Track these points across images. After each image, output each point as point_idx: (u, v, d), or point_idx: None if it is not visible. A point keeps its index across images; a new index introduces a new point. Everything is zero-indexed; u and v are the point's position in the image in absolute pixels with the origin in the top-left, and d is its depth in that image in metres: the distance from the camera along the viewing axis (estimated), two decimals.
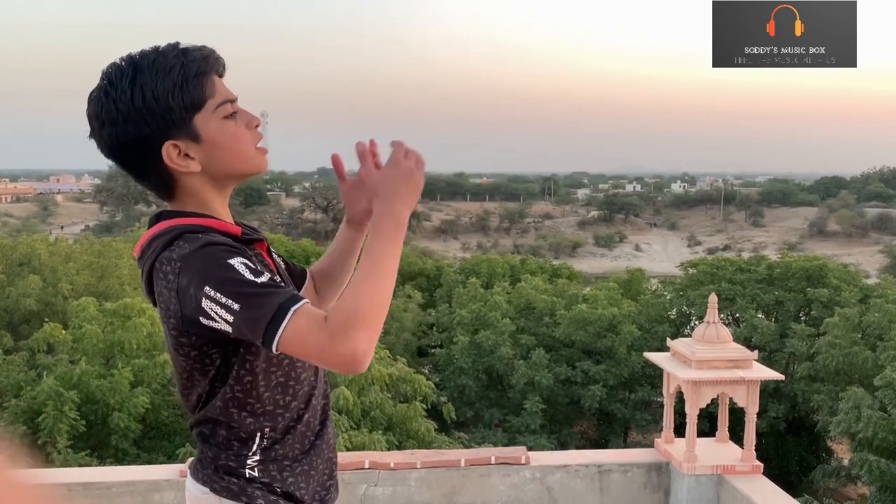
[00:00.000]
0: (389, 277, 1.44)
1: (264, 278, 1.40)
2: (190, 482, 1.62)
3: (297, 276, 1.82)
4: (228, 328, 1.40)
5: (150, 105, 1.44)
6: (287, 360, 1.57)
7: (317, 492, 1.64)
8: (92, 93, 1.50)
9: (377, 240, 1.46)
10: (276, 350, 1.37)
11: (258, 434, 1.56)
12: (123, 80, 1.45)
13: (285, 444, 1.58)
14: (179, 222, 1.51)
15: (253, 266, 1.41)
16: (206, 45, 1.53)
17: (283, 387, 1.57)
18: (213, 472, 1.57)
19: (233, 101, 1.54)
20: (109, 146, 1.50)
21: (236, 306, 1.36)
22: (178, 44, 1.50)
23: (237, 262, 1.39)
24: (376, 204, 1.50)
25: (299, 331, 1.35)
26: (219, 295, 1.37)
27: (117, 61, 1.49)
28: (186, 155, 1.49)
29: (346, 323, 1.35)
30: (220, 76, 1.54)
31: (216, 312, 1.38)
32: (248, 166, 1.56)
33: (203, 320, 1.41)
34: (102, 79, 1.49)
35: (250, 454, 1.56)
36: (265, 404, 1.55)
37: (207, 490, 1.58)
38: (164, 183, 1.53)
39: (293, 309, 1.36)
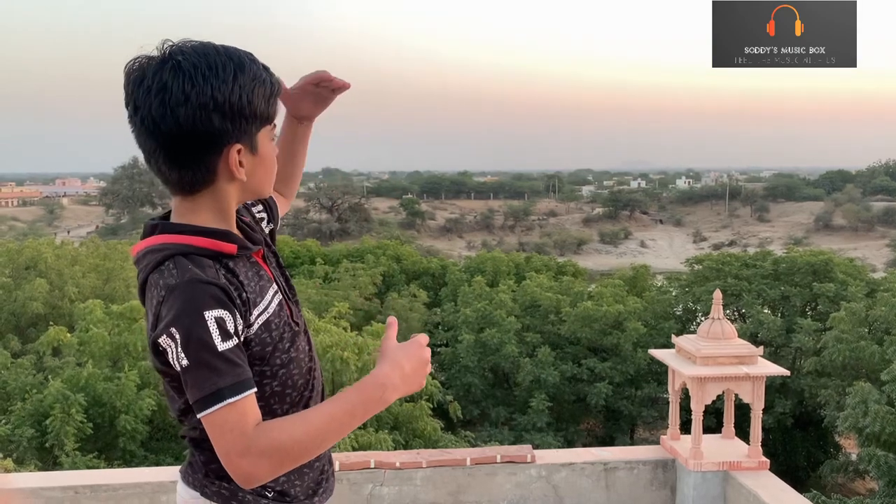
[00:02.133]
0: (335, 435, 1.47)
1: (227, 345, 1.40)
2: (181, 487, 1.61)
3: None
4: (176, 371, 1.44)
5: (243, 105, 1.45)
6: (283, 371, 1.57)
7: (309, 486, 1.65)
8: (174, 65, 1.42)
9: (354, 396, 1.49)
10: (198, 419, 1.43)
11: None
12: (227, 71, 1.43)
13: None
14: (173, 240, 1.49)
15: (225, 327, 1.41)
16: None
17: (280, 395, 1.57)
18: (203, 477, 1.57)
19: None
20: (177, 125, 1.42)
21: (185, 363, 1.40)
22: (256, 57, 1.52)
23: (211, 318, 1.40)
24: (380, 364, 1.53)
25: (223, 424, 1.39)
26: (179, 343, 1.40)
27: (210, 48, 1.46)
28: (240, 162, 1.50)
29: (266, 450, 1.39)
30: None
31: (172, 352, 1.41)
32: (269, 188, 1.62)
33: (160, 348, 1.44)
34: (195, 57, 1.43)
35: None
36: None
37: (198, 495, 1.57)
38: (202, 179, 1.49)
39: (228, 401, 1.38)
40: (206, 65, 1.43)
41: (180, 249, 1.46)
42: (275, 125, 1.57)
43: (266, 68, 1.52)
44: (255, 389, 1.43)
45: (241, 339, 1.46)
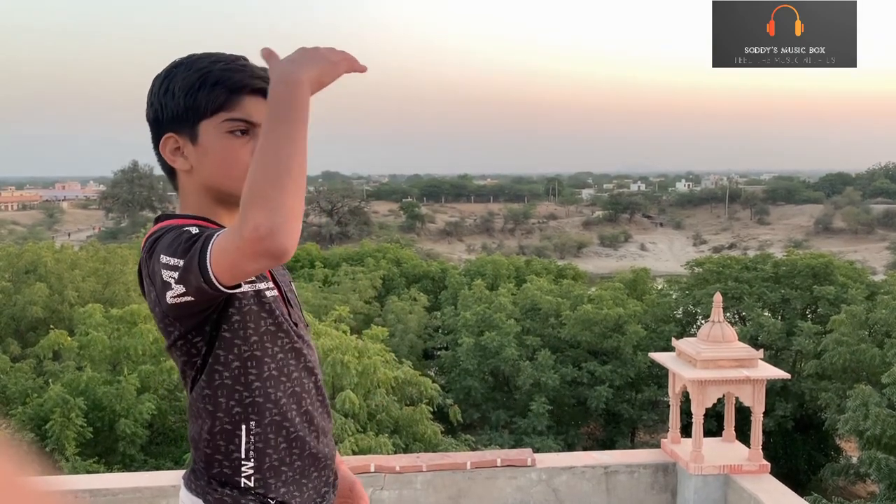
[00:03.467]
0: (284, 148, 1.31)
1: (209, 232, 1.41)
2: (183, 493, 1.60)
3: None
4: (185, 293, 1.40)
5: (167, 96, 1.57)
6: (281, 355, 1.57)
7: (312, 498, 1.64)
8: None
9: (269, 113, 1.36)
10: (215, 279, 1.35)
11: (243, 426, 1.55)
12: (168, 68, 1.60)
13: (279, 448, 1.58)
14: (171, 223, 1.54)
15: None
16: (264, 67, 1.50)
17: (276, 380, 1.57)
18: (206, 484, 1.57)
19: (254, 124, 1.54)
20: (147, 117, 1.63)
21: (181, 262, 1.38)
22: (236, 56, 1.59)
23: (192, 227, 1.45)
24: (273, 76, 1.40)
25: (218, 245, 1.33)
26: (168, 259, 1.40)
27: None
28: (182, 153, 1.58)
29: (242, 207, 1.29)
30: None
31: (172, 279, 1.40)
32: (230, 185, 1.54)
33: (169, 296, 1.42)
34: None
35: (243, 458, 1.55)
36: (254, 394, 1.55)
37: (201, 502, 1.57)
38: (164, 170, 1.64)
39: (216, 235, 1.36)
40: (166, 68, 1.61)
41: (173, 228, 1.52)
42: (244, 121, 1.53)
43: (226, 62, 1.56)
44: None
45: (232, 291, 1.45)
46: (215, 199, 1.60)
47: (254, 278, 1.53)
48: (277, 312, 1.58)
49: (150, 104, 1.60)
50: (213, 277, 1.34)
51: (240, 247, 1.29)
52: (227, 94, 1.54)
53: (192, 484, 1.59)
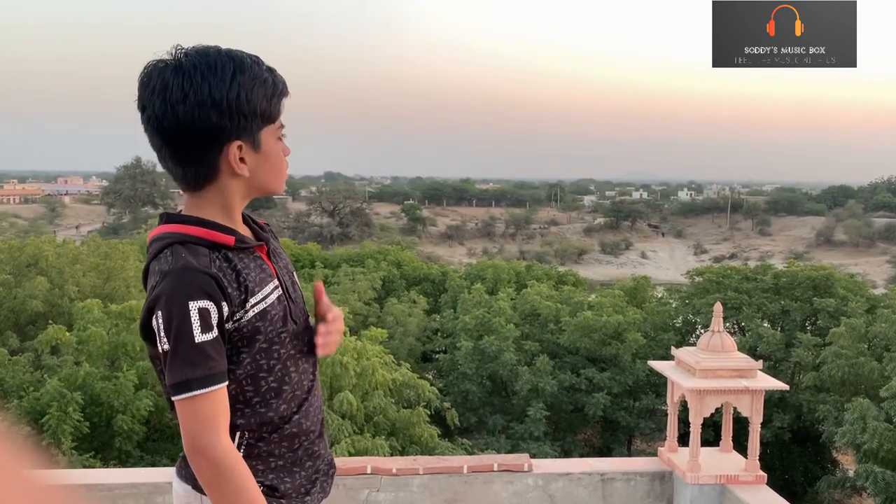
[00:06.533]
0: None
1: (206, 337, 1.46)
2: (175, 482, 1.64)
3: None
4: (159, 352, 1.49)
5: (241, 103, 1.50)
6: (280, 367, 1.60)
7: (302, 485, 1.68)
8: (176, 65, 1.49)
9: None
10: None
11: (238, 431, 1.59)
12: (225, 70, 1.50)
13: (271, 441, 1.61)
14: (175, 229, 1.56)
15: (208, 318, 1.47)
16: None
17: (277, 391, 1.61)
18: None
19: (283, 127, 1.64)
20: (177, 122, 1.48)
21: (167, 346, 1.46)
22: (261, 59, 1.58)
23: (195, 308, 1.45)
24: None
25: (195, 412, 1.46)
26: (162, 327, 1.46)
27: (213, 50, 1.52)
28: (242, 159, 1.55)
29: (213, 464, 1.46)
30: None
31: (158, 334, 1.47)
32: (277, 185, 1.66)
33: (151, 329, 1.49)
34: (196, 58, 1.50)
35: None
36: (251, 403, 1.59)
37: (189, 488, 1.60)
38: (204, 175, 1.55)
39: (195, 392, 1.45)
40: (206, 64, 1.49)
41: (179, 238, 1.53)
42: (282, 125, 1.61)
43: (271, 70, 1.57)
44: (226, 382, 1.50)
45: (233, 325, 1.52)
46: (245, 197, 1.63)
47: (258, 298, 1.56)
48: (279, 325, 1.59)
49: (213, 106, 1.47)
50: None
51: (190, 440, 1.47)
52: (282, 103, 1.60)
53: (183, 471, 1.63)
